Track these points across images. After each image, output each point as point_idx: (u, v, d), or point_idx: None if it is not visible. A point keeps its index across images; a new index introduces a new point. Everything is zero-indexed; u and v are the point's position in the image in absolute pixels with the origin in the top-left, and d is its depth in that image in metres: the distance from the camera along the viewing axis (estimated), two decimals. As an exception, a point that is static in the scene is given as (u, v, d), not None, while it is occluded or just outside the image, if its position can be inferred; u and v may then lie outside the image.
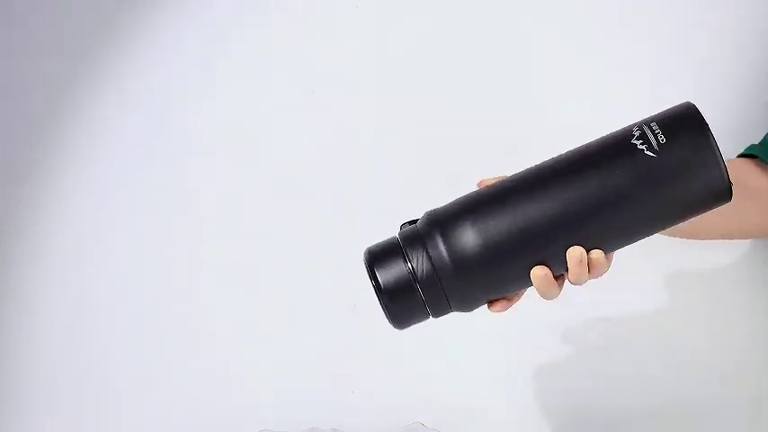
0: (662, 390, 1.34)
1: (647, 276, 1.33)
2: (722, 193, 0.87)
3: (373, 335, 1.31)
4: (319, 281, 1.29)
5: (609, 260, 0.89)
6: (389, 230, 1.30)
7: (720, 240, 1.22)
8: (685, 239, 1.14)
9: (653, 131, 0.86)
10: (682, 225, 0.91)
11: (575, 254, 0.86)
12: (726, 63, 1.29)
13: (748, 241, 1.32)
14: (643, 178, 0.86)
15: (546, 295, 0.89)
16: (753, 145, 1.17)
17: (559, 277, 0.89)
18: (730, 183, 0.86)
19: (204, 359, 1.30)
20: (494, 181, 0.91)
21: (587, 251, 0.87)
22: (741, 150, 1.19)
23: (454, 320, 1.31)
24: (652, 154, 0.86)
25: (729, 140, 1.30)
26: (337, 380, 1.30)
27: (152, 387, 1.30)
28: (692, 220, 0.90)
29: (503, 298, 0.90)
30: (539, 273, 0.87)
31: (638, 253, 1.33)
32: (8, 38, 1.27)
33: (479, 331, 1.31)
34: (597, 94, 1.32)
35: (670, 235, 0.97)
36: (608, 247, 0.89)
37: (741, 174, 1.11)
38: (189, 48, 1.28)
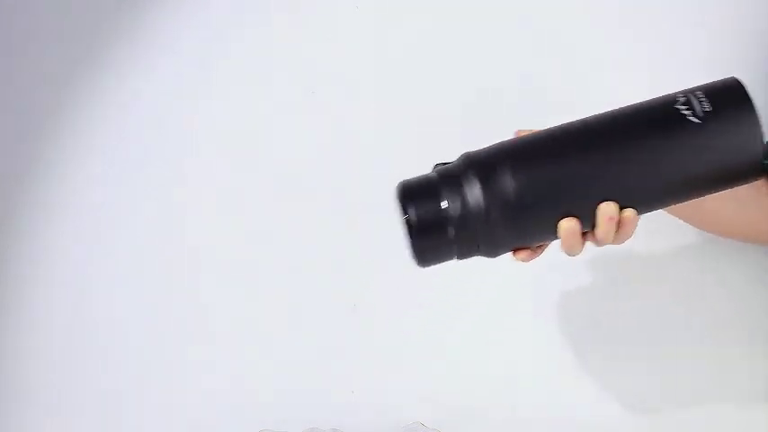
0: (662, 390, 1.34)
1: (647, 276, 1.33)
2: (758, 166, 0.88)
3: (373, 335, 1.31)
4: (319, 281, 1.29)
5: (635, 224, 0.88)
6: (389, 230, 1.30)
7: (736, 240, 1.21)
8: (707, 234, 1.13)
9: (698, 99, 0.87)
10: (708, 216, 0.93)
11: (608, 209, 0.86)
12: (726, 63, 1.29)
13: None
14: (685, 144, 0.87)
15: (570, 249, 0.88)
16: None
17: (584, 234, 0.89)
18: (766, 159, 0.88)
19: (204, 359, 1.30)
20: (530, 132, 0.90)
21: (604, 205, 0.87)
22: None
23: (454, 321, 1.31)
24: (697, 120, 0.86)
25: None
26: (337, 380, 1.30)
27: (152, 387, 1.30)
28: (723, 193, 0.91)
29: (527, 247, 0.89)
30: (568, 224, 0.86)
31: (639, 253, 1.34)
32: (8, 38, 1.27)
33: (479, 331, 1.31)
34: (597, 95, 1.32)
35: (697, 226, 0.98)
36: (640, 208, 0.88)
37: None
38: (189, 48, 1.28)
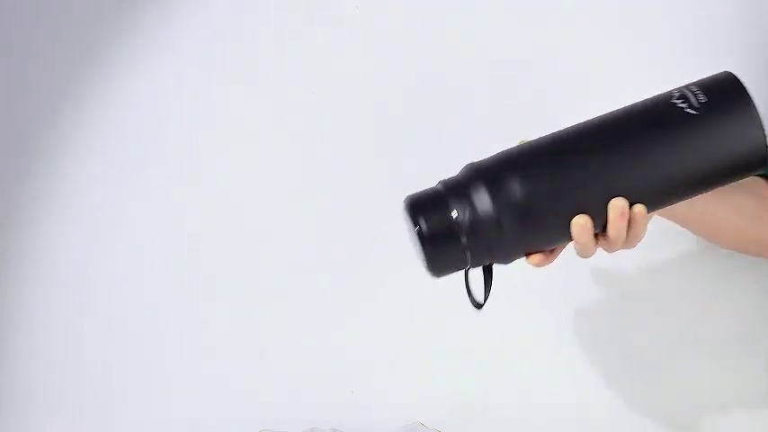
0: (663, 389, 1.34)
1: (648, 276, 1.33)
2: (760, 153, 0.88)
3: (373, 335, 1.31)
4: (319, 281, 1.29)
5: (646, 223, 0.88)
6: (389, 230, 1.30)
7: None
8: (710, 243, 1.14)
9: (693, 92, 0.88)
10: (711, 227, 0.96)
11: (618, 203, 0.86)
12: (725, 63, 1.29)
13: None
14: (686, 136, 0.88)
15: (583, 250, 0.88)
16: None
17: (596, 237, 0.89)
18: None
19: (204, 359, 1.30)
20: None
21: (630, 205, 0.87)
22: None
23: (454, 321, 1.31)
24: (694, 112, 0.88)
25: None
26: (337, 380, 1.30)
27: (152, 387, 1.30)
28: (731, 185, 0.92)
29: (540, 251, 0.89)
30: (580, 221, 0.86)
31: (641, 255, 1.34)
32: (8, 38, 1.27)
33: (479, 331, 1.31)
34: (598, 95, 1.32)
35: (701, 235, 0.98)
36: (650, 204, 0.89)
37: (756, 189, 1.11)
38: (188, 48, 1.28)
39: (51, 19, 1.27)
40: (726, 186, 0.94)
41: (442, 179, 0.91)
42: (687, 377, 1.34)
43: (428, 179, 1.29)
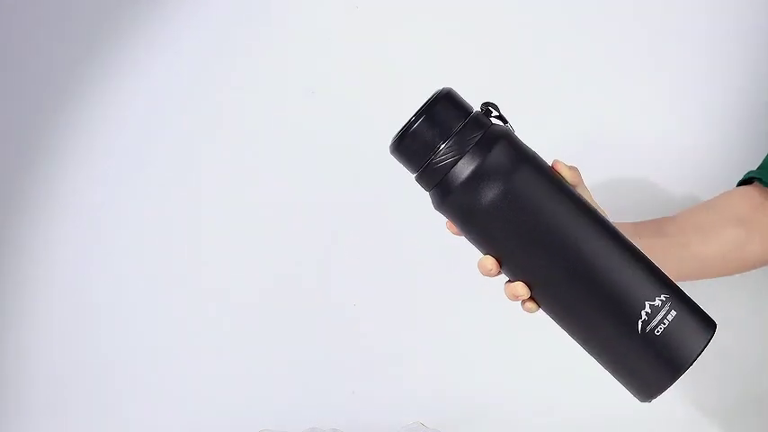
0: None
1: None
2: (649, 392, 0.88)
3: (373, 335, 1.31)
4: (319, 281, 1.29)
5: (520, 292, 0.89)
6: (390, 230, 1.30)
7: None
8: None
9: (662, 317, 0.85)
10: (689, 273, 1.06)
11: (518, 290, 0.88)
12: (725, 62, 1.29)
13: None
14: (625, 343, 0.86)
15: (482, 272, 0.89)
16: (751, 171, 1.17)
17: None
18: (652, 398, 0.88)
19: (204, 359, 1.30)
20: (566, 166, 0.90)
21: (522, 283, 0.88)
22: (741, 174, 1.19)
23: (455, 321, 1.31)
24: (648, 331, 0.85)
25: (729, 138, 1.30)
26: (337, 380, 1.30)
27: (152, 387, 1.30)
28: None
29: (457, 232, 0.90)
30: (486, 262, 0.88)
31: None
32: (8, 38, 1.27)
33: (479, 332, 1.31)
34: (597, 95, 1.32)
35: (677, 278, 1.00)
36: (541, 306, 0.90)
37: (741, 206, 1.13)
38: (188, 48, 1.28)
39: (51, 19, 1.27)
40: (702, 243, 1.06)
41: (487, 106, 0.91)
42: (688, 377, 1.34)
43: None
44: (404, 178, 1.31)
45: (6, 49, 1.27)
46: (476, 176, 0.85)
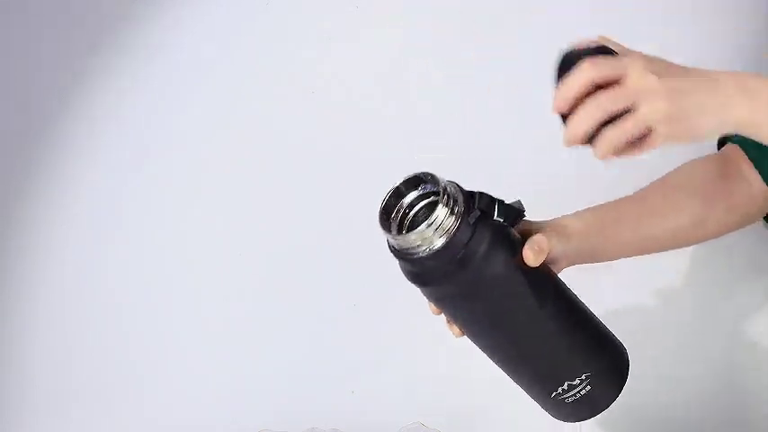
0: (663, 389, 1.34)
1: (649, 276, 1.33)
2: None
3: (373, 334, 1.31)
4: (319, 281, 1.29)
5: None
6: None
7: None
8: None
9: (577, 392, 0.92)
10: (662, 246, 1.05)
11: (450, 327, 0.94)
12: (725, 61, 1.29)
13: (753, 242, 1.33)
14: (540, 398, 0.94)
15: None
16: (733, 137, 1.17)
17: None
18: None
19: (204, 359, 1.31)
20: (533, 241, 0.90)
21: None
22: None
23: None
24: (566, 396, 0.92)
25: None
26: (337, 380, 1.30)
27: (152, 387, 1.30)
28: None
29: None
30: (454, 330, 0.94)
31: (647, 258, 1.34)
32: (7, 38, 1.27)
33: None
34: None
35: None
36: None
37: (703, 181, 1.12)
38: (189, 48, 1.28)
39: (51, 19, 1.27)
40: (661, 206, 1.05)
41: (454, 184, 0.89)
42: (688, 377, 1.34)
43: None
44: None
45: (6, 50, 1.27)
46: (439, 275, 0.86)
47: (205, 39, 1.29)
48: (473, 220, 0.85)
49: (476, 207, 0.86)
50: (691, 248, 1.33)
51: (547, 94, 1.32)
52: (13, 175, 1.28)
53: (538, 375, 0.92)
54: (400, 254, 0.87)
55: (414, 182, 0.90)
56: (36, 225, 1.28)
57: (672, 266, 1.32)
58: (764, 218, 1.28)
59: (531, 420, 1.32)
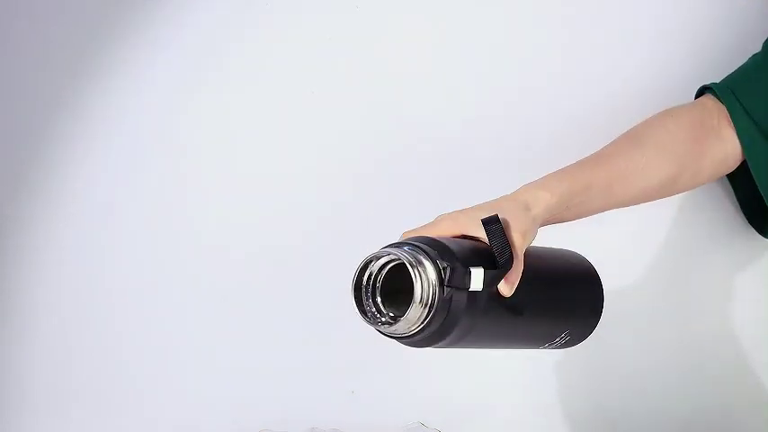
0: (663, 389, 1.34)
1: (649, 276, 1.33)
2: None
3: (374, 335, 1.31)
4: (319, 281, 1.29)
5: None
6: (390, 230, 1.30)
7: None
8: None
9: (559, 342, 1.00)
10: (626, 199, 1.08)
11: None
12: (726, 61, 1.29)
13: (751, 239, 1.33)
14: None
15: None
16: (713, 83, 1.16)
17: None
18: None
19: (204, 359, 1.30)
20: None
21: None
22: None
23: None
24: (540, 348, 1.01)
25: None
26: (337, 380, 1.30)
27: (152, 387, 1.30)
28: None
29: None
30: None
31: (641, 254, 1.34)
32: (7, 38, 1.27)
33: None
34: (598, 95, 1.32)
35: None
36: None
37: (673, 141, 1.12)
38: (188, 47, 1.28)
39: (51, 19, 1.27)
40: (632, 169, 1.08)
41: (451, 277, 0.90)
42: (688, 378, 1.34)
43: (428, 179, 1.29)
44: (403, 178, 1.32)
45: (6, 49, 1.27)
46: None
47: (205, 39, 1.29)
48: (447, 279, 0.88)
49: (440, 267, 0.89)
50: (672, 250, 1.34)
51: (547, 94, 1.32)
52: (11, 175, 1.28)
53: (524, 346, 1.01)
54: (391, 337, 0.94)
55: (370, 261, 0.93)
56: (35, 224, 1.28)
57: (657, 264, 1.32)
58: (753, 224, 1.27)
59: (530, 420, 1.32)
